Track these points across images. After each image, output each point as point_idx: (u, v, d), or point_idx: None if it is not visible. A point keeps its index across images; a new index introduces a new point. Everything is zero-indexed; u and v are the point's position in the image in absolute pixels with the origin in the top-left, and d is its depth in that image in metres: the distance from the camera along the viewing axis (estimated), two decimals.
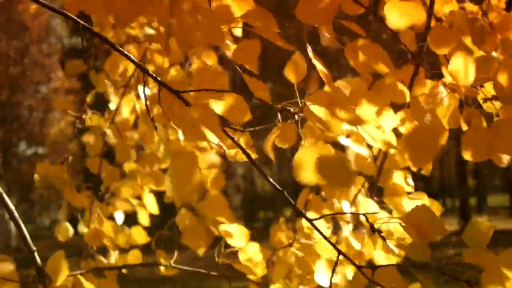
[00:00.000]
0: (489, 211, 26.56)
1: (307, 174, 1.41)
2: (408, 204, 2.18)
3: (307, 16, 1.74)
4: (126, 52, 1.66)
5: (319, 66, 1.58)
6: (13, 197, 24.71)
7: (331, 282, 1.59)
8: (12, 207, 1.80)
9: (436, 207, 2.08)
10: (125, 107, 2.85)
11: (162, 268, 2.57)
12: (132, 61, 1.63)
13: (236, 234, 1.93)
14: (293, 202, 1.55)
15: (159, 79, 1.55)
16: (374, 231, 1.49)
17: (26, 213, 30.95)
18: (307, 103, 1.49)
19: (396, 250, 2.00)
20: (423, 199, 2.11)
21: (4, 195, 1.79)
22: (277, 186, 1.52)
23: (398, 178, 2.42)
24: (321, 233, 1.52)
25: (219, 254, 2.05)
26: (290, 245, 2.47)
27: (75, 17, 1.67)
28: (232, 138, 1.53)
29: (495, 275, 1.39)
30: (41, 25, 24.40)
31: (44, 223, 35.18)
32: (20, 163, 25.58)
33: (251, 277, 2.05)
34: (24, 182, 25.08)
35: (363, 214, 1.54)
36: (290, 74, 1.63)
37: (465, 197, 25.04)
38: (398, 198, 2.28)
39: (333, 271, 1.52)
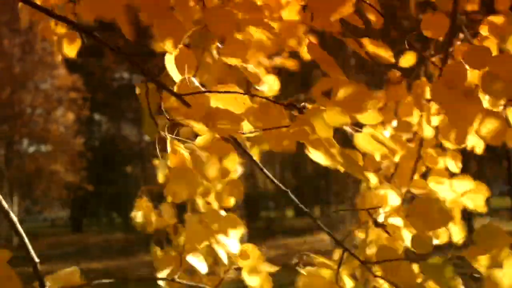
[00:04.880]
0: (491, 213, 26.49)
1: None
2: (442, 188, 2.13)
3: None
4: (132, 58, 1.62)
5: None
6: (15, 194, 24.71)
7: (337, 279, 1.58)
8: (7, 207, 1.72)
9: (483, 190, 2.07)
10: None
11: None
12: (133, 63, 1.59)
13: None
14: (297, 202, 1.54)
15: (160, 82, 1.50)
16: (377, 225, 1.48)
17: (28, 210, 30.95)
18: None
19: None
20: (469, 181, 2.08)
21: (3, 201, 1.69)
22: (281, 186, 1.51)
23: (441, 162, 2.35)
24: (327, 231, 1.51)
25: None
26: None
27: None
28: (235, 140, 1.49)
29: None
30: None
31: (46, 220, 35.17)
32: (22, 160, 25.56)
33: None
34: (27, 179, 25.09)
35: (367, 210, 1.54)
36: None
37: None
38: (438, 180, 2.20)
39: (339, 267, 1.51)
